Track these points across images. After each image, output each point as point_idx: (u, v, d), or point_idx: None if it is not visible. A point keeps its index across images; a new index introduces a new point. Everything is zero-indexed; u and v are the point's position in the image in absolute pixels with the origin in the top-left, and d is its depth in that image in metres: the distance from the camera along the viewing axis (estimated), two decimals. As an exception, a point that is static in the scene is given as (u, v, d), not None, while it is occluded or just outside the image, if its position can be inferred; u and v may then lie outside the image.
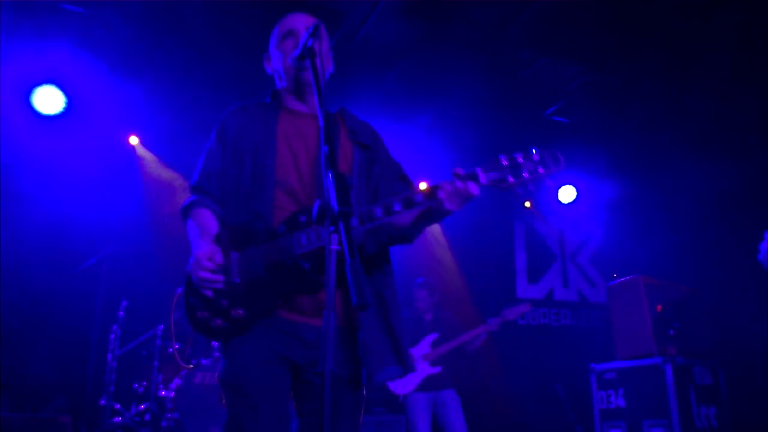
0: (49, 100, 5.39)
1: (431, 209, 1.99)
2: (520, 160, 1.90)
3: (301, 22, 2.19)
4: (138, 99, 5.72)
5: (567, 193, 7.62)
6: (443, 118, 6.51)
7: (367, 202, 2.12)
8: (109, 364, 4.91)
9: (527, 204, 7.77)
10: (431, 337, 5.39)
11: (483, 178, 1.92)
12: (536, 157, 1.89)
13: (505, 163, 1.91)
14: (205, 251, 1.96)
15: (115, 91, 5.58)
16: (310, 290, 1.98)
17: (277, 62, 2.23)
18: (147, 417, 4.82)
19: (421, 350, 5.33)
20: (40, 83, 5.36)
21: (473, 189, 1.91)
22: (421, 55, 5.56)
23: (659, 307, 4.94)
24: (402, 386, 5.23)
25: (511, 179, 1.90)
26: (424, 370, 5.26)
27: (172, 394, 4.74)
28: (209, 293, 1.97)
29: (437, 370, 5.27)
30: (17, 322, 5.16)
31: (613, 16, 5.01)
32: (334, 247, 1.57)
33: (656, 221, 7.51)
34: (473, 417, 5.37)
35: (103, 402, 4.78)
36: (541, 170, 1.89)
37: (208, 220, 2.13)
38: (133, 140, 6.10)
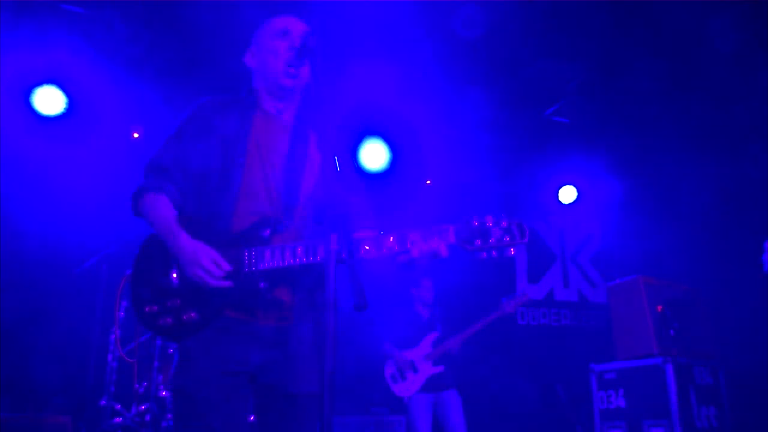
0: (49, 100, 5.39)
1: (399, 255, 1.93)
2: (489, 224, 1.85)
3: (297, 25, 2.15)
4: (138, 99, 5.72)
5: (567, 193, 7.62)
6: (443, 118, 6.51)
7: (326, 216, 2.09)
8: (109, 365, 4.91)
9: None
10: (432, 336, 5.39)
11: (453, 236, 1.87)
12: (504, 224, 1.85)
13: (475, 224, 1.86)
14: (209, 254, 1.90)
15: (115, 91, 5.58)
16: (264, 308, 1.95)
17: (265, 60, 2.18)
18: (147, 417, 4.81)
19: (423, 350, 5.33)
20: (40, 84, 5.36)
21: (443, 251, 1.87)
22: (421, 55, 5.56)
23: (659, 307, 4.94)
24: (405, 389, 5.23)
25: (478, 242, 1.84)
26: (427, 370, 5.25)
27: (173, 394, 4.73)
28: (209, 300, 1.92)
29: (440, 369, 5.27)
30: (17, 322, 5.16)
31: (613, 17, 5.01)
32: (335, 247, 1.57)
33: (656, 221, 7.50)
34: (473, 417, 5.36)
35: (103, 402, 4.77)
36: (507, 239, 1.83)
37: (168, 209, 2.04)
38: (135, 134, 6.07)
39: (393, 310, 5.63)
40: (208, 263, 1.89)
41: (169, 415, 4.68)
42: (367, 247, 1.87)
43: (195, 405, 1.87)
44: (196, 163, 2.08)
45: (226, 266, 1.90)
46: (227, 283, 1.89)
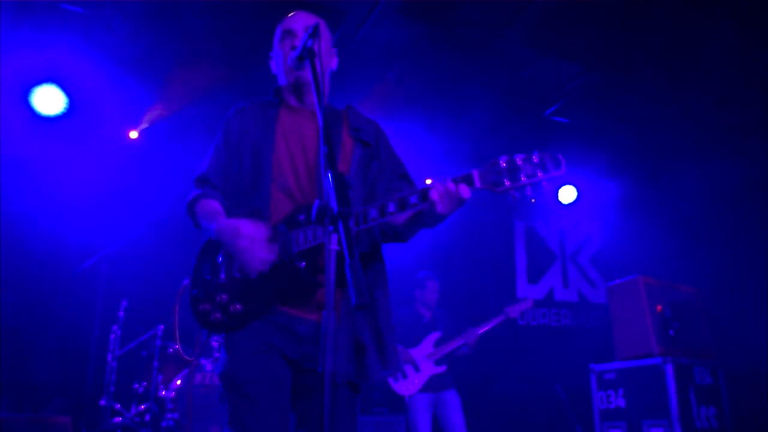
0: (48, 100, 5.39)
1: (424, 211, 1.95)
2: (519, 162, 1.83)
3: (300, 23, 2.20)
4: (138, 99, 5.72)
5: (567, 193, 7.62)
6: (443, 118, 6.51)
7: (364, 200, 2.15)
8: (109, 364, 4.91)
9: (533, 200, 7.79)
10: (434, 336, 5.39)
11: (478, 181, 1.86)
12: (536, 159, 1.81)
13: (503, 165, 1.84)
14: (247, 224, 1.92)
15: (115, 91, 5.58)
16: (305, 290, 2.01)
17: (277, 61, 2.26)
18: (147, 417, 4.82)
19: (424, 350, 5.33)
20: (40, 84, 5.36)
21: (464, 192, 1.85)
22: (421, 55, 5.56)
23: (659, 307, 4.94)
24: (407, 387, 5.22)
25: (507, 183, 1.83)
26: (428, 369, 5.26)
27: (173, 394, 4.75)
28: (255, 274, 1.94)
29: (442, 369, 5.27)
30: (17, 323, 5.16)
31: (613, 16, 5.01)
32: (334, 247, 1.57)
33: (656, 221, 7.51)
34: (473, 417, 5.36)
35: (103, 402, 4.78)
36: (540, 174, 1.80)
37: (214, 206, 2.15)
38: (133, 134, 6.07)
39: (394, 309, 5.62)
40: (249, 231, 1.91)
41: (169, 415, 4.68)
42: (391, 210, 1.88)
43: (238, 385, 1.95)
44: (233, 170, 2.18)
45: (267, 229, 1.94)
46: (272, 254, 1.92)
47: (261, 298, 1.99)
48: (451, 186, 1.86)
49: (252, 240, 1.91)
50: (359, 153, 2.19)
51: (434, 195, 1.86)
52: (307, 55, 1.91)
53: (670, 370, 4.53)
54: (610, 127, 6.77)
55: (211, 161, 2.24)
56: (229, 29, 5.13)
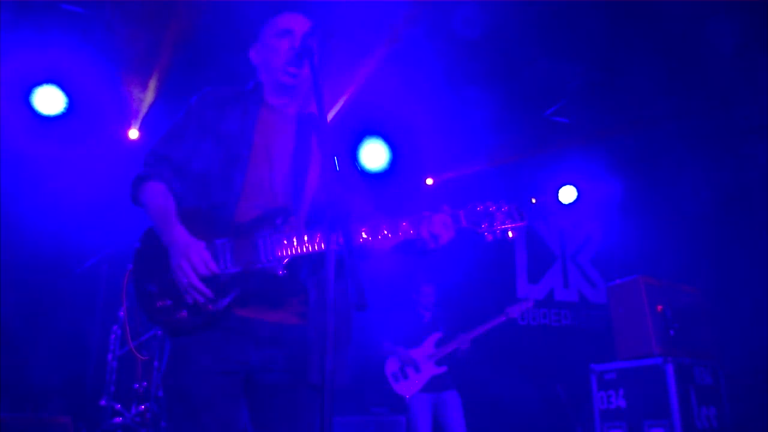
0: (49, 100, 5.39)
1: (412, 241, 2.00)
2: (492, 209, 2.01)
3: (300, 24, 2.15)
4: (137, 99, 5.72)
5: (567, 193, 7.62)
6: (443, 118, 6.51)
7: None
8: (109, 365, 4.91)
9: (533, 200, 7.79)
10: (435, 336, 5.39)
11: (464, 220, 2.00)
12: (504, 209, 2.01)
13: (479, 209, 2.01)
14: (201, 252, 1.86)
15: (115, 91, 5.58)
16: (281, 295, 1.96)
17: (268, 57, 2.18)
18: (148, 417, 4.81)
19: (425, 350, 5.33)
20: (40, 83, 5.36)
21: (455, 231, 1.98)
22: (421, 56, 5.56)
23: (659, 308, 4.94)
24: (407, 388, 5.22)
25: (485, 225, 2.00)
26: (430, 370, 5.26)
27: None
28: (189, 299, 1.86)
29: (443, 369, 5.27)
30: (17, 323, 5.16)
31: (613, 17, 5.01)
32: (335, 247, 1.57)
33: (656, 221, 7.50)
34: (473, 417, 5.36)
35: (103, 402, 4.78)
36: (508, 222, 2.01)
37: (167, 200, 2.01)
38: (133, 134, 6.05)
39: (394, 310, 5.63)
40: (197, 259, 1.84)
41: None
42: (386, 232, 1.92)
43: (189, 404, 1.84)
44: (197, 160, 2.05)
45: (214, 268, 1.86)
46: (206, 290, 1.84)
47: (230, 298, 1.88)
48: (442, 224, 1.96)
49: (193, 268, 1.84)
50: (325, 161, 2.14)
51: (425, 233, 1.95)
52: (305, 54, 1.91)
53: (670, 370, 4.53)
54: (610, 127, 6.77)
55: (173, 138, 2.10)
56: (229, 29, 5.13)
